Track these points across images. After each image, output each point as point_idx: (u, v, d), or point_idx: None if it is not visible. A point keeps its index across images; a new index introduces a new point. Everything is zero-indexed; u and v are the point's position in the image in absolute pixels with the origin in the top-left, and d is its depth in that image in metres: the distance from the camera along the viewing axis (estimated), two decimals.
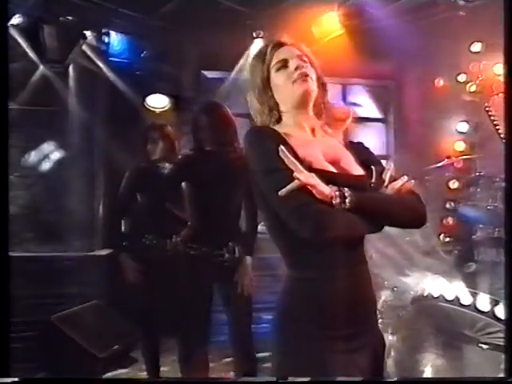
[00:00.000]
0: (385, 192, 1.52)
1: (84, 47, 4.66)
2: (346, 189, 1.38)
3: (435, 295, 2.82)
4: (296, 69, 1.57)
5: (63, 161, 4.78)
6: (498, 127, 3.65)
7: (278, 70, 1.59)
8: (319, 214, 1.37)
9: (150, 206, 3.30)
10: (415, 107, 5.33)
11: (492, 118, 3.75)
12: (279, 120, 1.61)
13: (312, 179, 1.35)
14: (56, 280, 4.18)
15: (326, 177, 1.41)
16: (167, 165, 3.32)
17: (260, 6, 4.56)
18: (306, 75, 1.57)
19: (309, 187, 1.35)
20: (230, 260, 2.83)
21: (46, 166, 4.74)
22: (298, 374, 1.48)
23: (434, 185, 4.43)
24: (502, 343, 2.32)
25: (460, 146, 4.77)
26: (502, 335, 2.38)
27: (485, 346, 2.51)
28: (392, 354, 2.83)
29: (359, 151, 1.66)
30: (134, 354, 3.97)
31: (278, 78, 1.59)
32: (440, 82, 4.94)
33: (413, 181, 1.55)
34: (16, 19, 4.09)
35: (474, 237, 3.89)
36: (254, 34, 4.90)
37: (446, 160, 4.48)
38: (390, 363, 2.79)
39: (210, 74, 5.38)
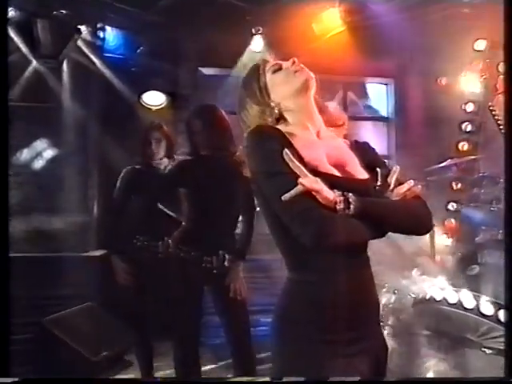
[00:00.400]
0: (390, 196, 1.51)
1: (79, 42, 4.63)
2: (350, 194, 1.38)
3: (438, 298, 2.81)
4: (292, 64, 1.59)
5: (56, 159, 4.73)
6: (501, 127, 3.62)
7: (274, 72, 1.61)
8: (322, 220, 1.36)
9: (143, 208, 3.27)
10: (417, 106, 5.31)
11: (496, 117, 3.72)
12: (281, 119, 1.59)
13: (316, 184, 1.35)
14: (48, 281, 4.12)
15: (329, 180, 1.41)
16: (163, 166, 3.32)
17: (260, 1, 4.54)
18: (303, 67, 1.59)
19: (313, 193, 1.34)
20: (218, 268, 2.80)
21: (38, 164, 4.70)
22: (297, 377, 1.47)
23: (436, 185, 4.42)
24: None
25: (463, 146, 4.71)
26: None
27: (488, 351, 2.52)
28: (393, 358, 2.80)
29: (364, 152, 1.65)
30: (129, 357, 3.90)
31: (276, 78, 1.60)
32: (443, 81, 4.89)
33: (419, 186, 1.53)
34: (9, 13, 4.02)
35: (477, 239, 3.85)
36: (253, 31, 4.85)
37: (449, 160, 4.44)
38: (390, 367, 2.76)
39: (207, 71, 5.37)
